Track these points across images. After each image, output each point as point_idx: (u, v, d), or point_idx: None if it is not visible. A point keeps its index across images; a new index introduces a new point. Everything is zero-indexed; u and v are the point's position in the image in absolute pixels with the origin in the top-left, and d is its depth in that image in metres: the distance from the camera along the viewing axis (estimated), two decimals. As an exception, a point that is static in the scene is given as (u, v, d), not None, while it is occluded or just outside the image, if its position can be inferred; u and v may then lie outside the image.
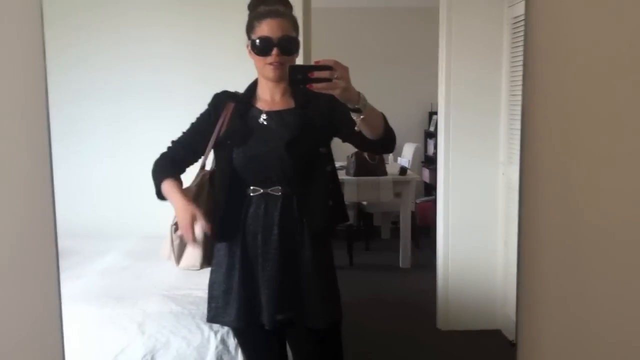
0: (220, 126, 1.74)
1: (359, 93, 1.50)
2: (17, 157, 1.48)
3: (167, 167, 1.75)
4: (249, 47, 1.71)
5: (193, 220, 1.62)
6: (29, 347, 1.54)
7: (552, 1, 1.69)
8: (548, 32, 1.70)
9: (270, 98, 1.75)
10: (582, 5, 1.69)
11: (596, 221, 1.78)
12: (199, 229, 1.62)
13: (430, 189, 4.24)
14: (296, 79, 1.45)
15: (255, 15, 1.71)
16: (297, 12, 2.62)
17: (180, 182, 1.72)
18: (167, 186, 1.71)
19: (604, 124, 1.76)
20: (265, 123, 1.73)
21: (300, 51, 2.51)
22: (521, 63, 2.48)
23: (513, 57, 2.56)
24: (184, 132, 1.80)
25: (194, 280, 1.78)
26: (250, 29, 1.72)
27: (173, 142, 1.79)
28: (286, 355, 1.88)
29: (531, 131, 1.72)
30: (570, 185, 1.76)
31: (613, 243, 1.79)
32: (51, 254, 1.53)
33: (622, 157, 1.77)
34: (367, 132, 1.58)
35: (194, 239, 1.63)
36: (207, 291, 1.74)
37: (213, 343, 1.82)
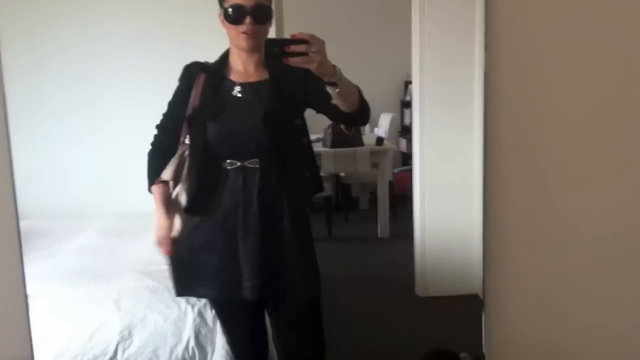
0: (193, 99, 1.72)
1: (334, 66, 1.49)
2: None
3: (158, 164, 1.75)
4: (222, 16, 1.68)
5: (166, 237, 1.73)
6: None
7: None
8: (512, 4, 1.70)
9: (244, 69, 1.73)
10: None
11: (559, 181, 1.80)
12: (167, 243, 1.74)
13: (407, 158, 4.24)
14: (272, 53, 1.44)
15: None
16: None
17: (167, 189, 1.75)
18: (155, 193, 1.76)
19: (565, 90, 1.77)
20: (239, 95, 1.72)
21: (273, 24, 2.50)
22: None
23: (486, 27, 2.55)
24: (164, 114, 1.79)
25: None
26: None
27: (157, 127, 1.78)
28: (265, 328, 1.89)
29: (493, 95, 1.73)
30: (533, 146, 1.78)
31: (575, 201, 1.81)
32: (13, 231, 1.51)
33: (583, 117, 1.79)
34: (342, 105, 1.58)
35: (166, 252, 1.74)
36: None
37: (190, 317, 1.82)
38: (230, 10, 1.64)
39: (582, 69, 1.75)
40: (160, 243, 1.74)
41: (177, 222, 1.76)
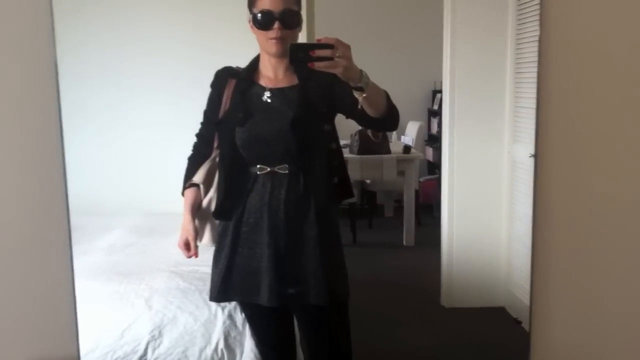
0: (224, 104, 1.73)
1: (361, 71, 1.48)
2: (29, 137, 1.48)
3: (194, 170, 1.79)
4: (251, 22, 1.69)
5: (187, 240, 1.76)
6: (43, 323, 1.55)
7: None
8: (563, 10, 1.68)
9: (274, 74, 1.74)
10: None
11: (610, 201, 1.78)
12: (192, 246, 1.77)
13: (433, 167, 4.23)
14: (297, 58, 1.43)
15: None
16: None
17: (198, 194, 1.78)
18: (186, 197, 1.80)
19: (619, 106, 1.74)
20: (269, 101, 1.72)
21: (304, 29, 2.51)
22: (527, 40, 2.47)
23: (519, 33, 2.54)
24: (201, 123, 1.81)
25: (200, 257, 1.78)
26: (251, 2, 1.70)
27: (196, 135, 1.80)
28: (293, 332, 1.89)
29: (546, 109, 1.71)
30: (583, 164, 1.75)
31: (626, 221, 1.79)
32: (64, 231, 1.52)
33: (637, 130, 1.76)
34: (369, 110, 1.57)
35: (187, 255, 1.77)
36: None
37: (220, 319, 1.83)
38: (259, 15, 1.65)
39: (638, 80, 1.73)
40: (185, 246, 1.76)
41: (207, 230, 1.78)
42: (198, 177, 1.78)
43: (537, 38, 1.72)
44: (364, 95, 1.50)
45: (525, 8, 2.45)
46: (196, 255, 1.76)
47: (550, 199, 1.76)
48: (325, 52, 1.41)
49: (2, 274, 1.48)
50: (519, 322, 2.30)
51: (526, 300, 2.44)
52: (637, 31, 1.71)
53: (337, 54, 1.42)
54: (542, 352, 1.82)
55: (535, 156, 1.67)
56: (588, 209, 1.76)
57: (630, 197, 1.77)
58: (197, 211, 1.79)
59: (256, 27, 1.67)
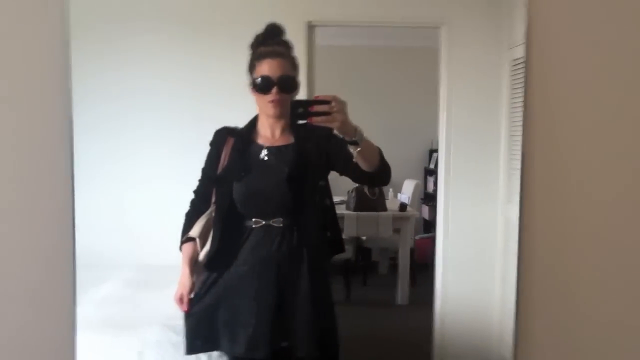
0: (222, 161, 1.78)
1: (356, 127, 1.55)
2: (40, 183, 1.51)
3: (192, 225, 1.81)
4: (251, 86, 1.77)
5: (182, 295, 1.79)
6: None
7: (551, 45, 1.74)
8: (547, 75, 1.74)
9: (271, 134, 1.80)
10: (581, 50, 1.73)
11: (595, 262, 1.80)
12: (185, 301, 1.80)
13: (429, 225, 4.24)
14: (297, 113, 1.51)
15: (255, 56, 1.78)
16: (301, 49, 2.68)
17: (195, 249, 1.81)
18: (183, 251, 1.82)
19: (602, 167, 1.79)
20: (266, 158, 1.77)
21: (304, 87, 2.56)
22: (521, 104, 2.53)
23: (513, 97, 2.59)
24: (199, 181, 1.85)
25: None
26: (251, 68, 1.79)
27: (193, 192, 1.84)
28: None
29: (529, 171, 1.76)
30: (569, 225, 1.79)
31: (612, 284, 1.81)
32: (69, 281, 1.54)
33: (622, 200, 1.80)
34: (363, 165, 1.63)
35: (183, 310, 1.80)
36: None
37: (211, 374, 1.82)
38: (258, 80, 1.73)
39: (621, 144, 1.78)
40: (180, 300, 1.78)
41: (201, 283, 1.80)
42: (194, 231, 1.81)
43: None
44: (358, 149, 1.56)
45: (518, 73, 2.52)
46: (187, 310, 1.77)
47: (534, 257, 1.78)
48: (324, 108, 1.49)
49: (5, 321, 1.49)
50: (511, 385, 2.28)
51: (519, 362, 2.45)
52: (618, 95, 1.77)
53: (334, 109, 1.49)
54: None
55: (520, 217, 1.71)
56: (574, 269, 1.79)
57: (616, 255, 1.79)
58: (194, 265, 1.82)
59: (256, 91, 1.74)
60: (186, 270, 1.80)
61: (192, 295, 1.78)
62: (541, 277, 1.77)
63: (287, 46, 1.83)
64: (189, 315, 1.78)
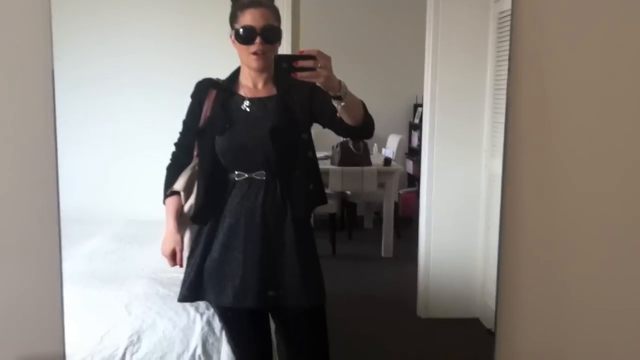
0: (204, 114, 1.77)
1: (340, 81, 1.54)
2: (25, 143, 1.50)
3: (174, 178, 1.81)
4: (233, 37, 1.73)
5: (174, 250, 1.78)
6: (32, 324, 1.56)
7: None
8: (533, 27, 1.74)
9: (253, 85, 1.78)
10: (566, 2, 1.73)
11: (576, 215, 1.83)
12: (178, 257, 1.78)
13: (413, 180, 4.27)
14: (281, 68, 1.49)
15: (238, 6, 1.74)
16: (286, 1, 2.66)
17: (180, 202, 1.79)
18: (168, 205, 1.81)
19: (585, 120, 1.80)
20: (248, 110, 1.76)
21: (289, 41, 2.55)
22: (506, 57, 2.52)
23: (499, 51, 2.59)
24: (180, 133, 1.84)
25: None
26: (233, 19, 1.75)
27: (174, 145, 1.82)
28: (269, 336, 1.91)
29: (514, 124, 1.77)
30: (551, 179, 1.81)
31: (592, 236, 1.84)
32: (54, 236, 1.55)
33: (603, 154, 1.82)
34: (347, 119, 1.62)
35: (172, 265, 1.78)
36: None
37: (199, 325, 1.85)
38: (241, 31, 1.70)
39: (605, 98, 1.79)
40: (171, 255, 1.78)
41: (187, 236, 1.80)
42: (179, 185, 1.80)
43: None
44: (342, 104, 1.55)
45: (504, 26, 2.51)
46: (182, 265, 1.78)
47: (517, 209, 1.81)
48: (308, 63, 1.47)
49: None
50: (492, 333, 2.34)
51: (500, 311, 2.50)
52: (605, 46, 1.77)
53: (319, 65, 1.47)
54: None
55: (504, 169, 1.72)
56: (554, 219, 1.82)
57: (597, 207, 1.82)
58: (179, 217, 1.82)
59: (238, 41, 1.71)
60: (173, 224, 1.80)
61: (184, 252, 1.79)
62: (524, 229, 1.80)
63: None
64: (186, 266, 1.79)
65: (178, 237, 1.80)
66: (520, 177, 1.76)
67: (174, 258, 1.79)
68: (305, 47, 1.56)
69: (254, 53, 1.70)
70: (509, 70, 1.70)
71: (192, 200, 1.81)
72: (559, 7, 1.69)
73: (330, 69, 1.50)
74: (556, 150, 1.78)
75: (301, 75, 1.46)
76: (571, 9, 1.71)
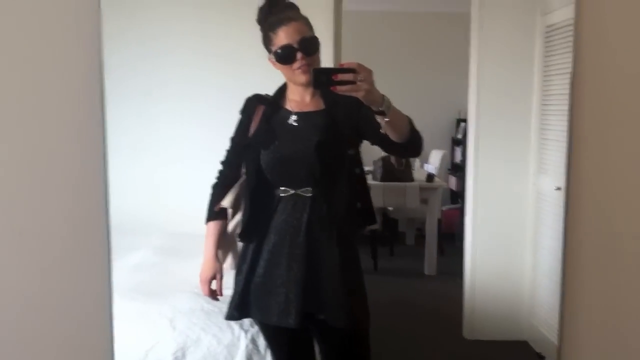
0: (252, 129, 1.75)
1: (383, 96, 1.49)
2: (74, 151, 1.50)
3: (220, 197, 1.77)
4: (272, 59, 1.71)
5: (212, 278, 1.69)
6: (79, 342, 1.56)
7: (601, 7, 1.67)
8: (597, 40, 1.68)
9: (300, 99, 1.75)
10: (633, 12, 1.66)
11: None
12: (217, 285, 1.69)
13: (456, 196, 4.23)
14: (320, 82, 1.45)
15: (268, 27, 1.71)
16: (328, 14, 2.65)
17: (223, 227, 1.76)
18: (209, 229, 1.75)
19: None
20: (295, 124, 1.73)
21: (331, 53, 2.53)
22: (554, 74, 2.47)
23: (545, 65, 2.55)
24: (227, 150, 1.81)
25: (224, 280, 1.78)
26: (267, 41, 1.72)
27: (221, 162, 1.80)
28: (314, 357, 1.88)
29: (578, 140, 1.70)
30: (616, 198, 1.74)
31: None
32: (104, 247, 1.55)
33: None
34: (392, 135, 1.57)
35: (208, 294, 1.70)
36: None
37: (243, 342, 1.82)
38: (279, 51, 1.66)
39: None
40: (206, 283, 1.73)
41: (230, 255, 1.77)
42: (227, 202, 1.78)
43: (565, 70, 1.73)
44: (386, 119, 1.51)
45: (552, 40, 2.46)
46: (221, 294, 1.74)
47: (580, 233, 1.74)
48: (347, 76, 1.43)
49: (41, 286, 1.50)
50: (542, 357, 2.27)
51: (549, 334, 2.42)
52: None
53: (359, 78, 1.43)
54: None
55: (567, 189, 1.66)
56: (620, 245, 1.75)
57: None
58: (221, 241, 1.79)
59: (280, 62, 1.68)
60: (212, 251, 1.73)
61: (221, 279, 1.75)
62: (588, 253, 1.73)
63: (295, 8, 1.76)
64: (235, 285, 1.75)
65: (217, 265, 1.74)
66: (583, 196, 1.69)
67: (211, 286, 1.74)
68: (347, 59, 1.52)
69: (298, 68, 1.68)
70: (571, 85, 1.63)
71: (237, 217, 1.79)
72: (628, 17, 1.63)
73: (371, 83, 1.45)
74: (622, 168, 1.71)
75: (340, 89, 1.42)
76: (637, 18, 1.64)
